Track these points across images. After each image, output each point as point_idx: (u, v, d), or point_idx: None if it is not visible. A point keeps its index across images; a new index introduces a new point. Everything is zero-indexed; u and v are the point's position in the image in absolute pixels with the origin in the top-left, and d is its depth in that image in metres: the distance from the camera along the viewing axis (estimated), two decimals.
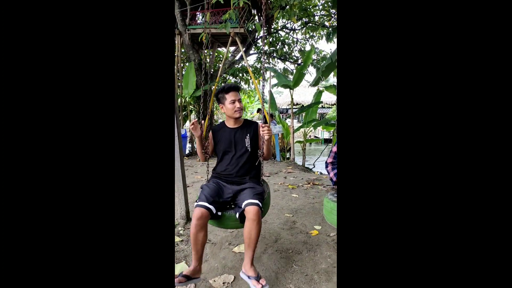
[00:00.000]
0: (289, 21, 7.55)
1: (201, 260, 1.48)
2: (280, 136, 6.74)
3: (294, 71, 6.99)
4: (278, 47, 7.97)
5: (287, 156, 6.75)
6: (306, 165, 6.23)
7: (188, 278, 1.40)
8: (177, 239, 2.04)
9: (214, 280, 1.57)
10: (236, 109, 1.67)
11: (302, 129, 6.64)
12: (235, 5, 3.58)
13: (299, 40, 8.26)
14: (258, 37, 7.21)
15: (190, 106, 7.19)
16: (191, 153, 6.63)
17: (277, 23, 7.82)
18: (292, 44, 8.25)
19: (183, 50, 6.87)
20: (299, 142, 6.77)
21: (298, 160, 6.51)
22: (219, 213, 1.50)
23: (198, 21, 6.80)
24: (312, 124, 6.27)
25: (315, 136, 11.45)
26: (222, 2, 3.86)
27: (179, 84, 6.47)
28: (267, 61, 7.96)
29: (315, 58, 7.61)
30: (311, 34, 7.68)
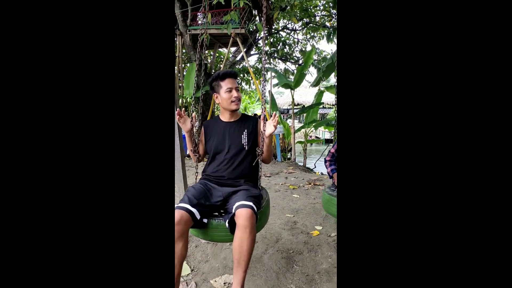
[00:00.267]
0: (290, 22, 7.56)
1: (178, 279, 1.13)
2: (281, 136, 6.75)
3: (295, 71, 7.00)
4: (279, 47, 7.98)
5: (288, 156, 6.76)
6: (307, 166, 6.23)
7: None
8: None
9: (215, 281, 1.58)
10: (233, 99, 1.37)
11: (303, 130, 6.64)
12: (236, 5, 3.59)
13: (300, 41, 8.27)
14: (259, 37, 7.22)
15: (192, 107, 7.21)
16: None
17: (278, 23, 7.82)
18: (293, 45, 8.27)
19: (184, 50, 6.89)
20: (300, 142, 6.77)
21: (299, 161, 6.51)
22: (205, 220, 1.19)
23: (199, 22, 6.81)
24: (313, 124, 6.28)
25: (316, 137, 11.44)
26: (223, 3, 3.88)
27: (180, 84, 6.48)
28: (268, 61, 7.96)
29: (316, 59, 7.62)
30: (312, 34, 7.69)
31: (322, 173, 5.02)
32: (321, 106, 6.48)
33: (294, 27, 7.97)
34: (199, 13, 6.67)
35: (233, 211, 1.14)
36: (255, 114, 1.67)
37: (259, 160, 1.35)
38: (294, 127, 6.18)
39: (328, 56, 6.51)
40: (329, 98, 10.87)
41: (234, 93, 1.38)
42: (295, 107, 6.59)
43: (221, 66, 6.86)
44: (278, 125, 6.53)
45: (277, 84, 6.32)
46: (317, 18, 7.39)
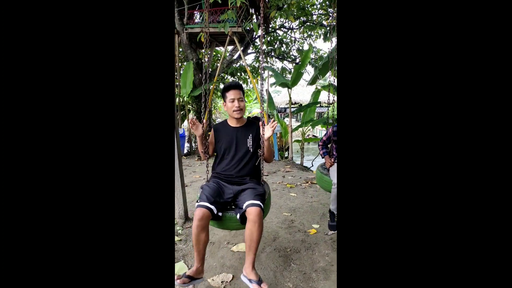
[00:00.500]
0: (287, 20, 7.55)
1: (203, 261, 1.46)
2: (278, 135, 6.75)
3: (292, 70, 6.99)
4: (276, 46, 7.97)
5: (286, 155, 6.76)
6: (304, 164, 6.24)
7: (191, 278, 1.39)
8: (175, 238, 2.05)
9: (213, 279, 1.58)
10: (235, 109, 1.59)
11: (300, 128, 6.65)
12: (233, 4, 3.58)
13: (297, 39, 8.26)
14: (256, 36, 7.21)
15: (188, 106, 7.18)
16: (189, 152, 6.62)
17: (275, 22, 7.81)
18: (290, 43, 8.25)
19: (180, 49, 6.86)
20: (297, 141, 6.78)
21: (297, 159, 6.52)
22: (220, 214, 1.45)
23: (196, 20, 6.78)
24: (310, 123, 6.28)
25: (313, 135, 11.45)
26: (220, 1, 3.86)
27: (177, 83, 6.45)
28: (265, 60, 7.95)
29: (313, 57, 7.62)
30: (309, 33, 7.69)
31: None
32: (318, 105, 6.48)
33: (291, 26, 7.96)
34: (196, 12, 6.64)
35: (243, 207, 1.40)
36: (255, 117, 1.74)
37: (261, 160, 1.59)
38: (291, 126, 6.19)
39: (325, 55, 6.52)
40: (327, 96, 10.84)
41: (236, 103, 1.59)
42: (292, 106, 6.59)
43: (218, 64, 6.84)
44: (277, 125, 6.53)
45: (274, 83, 6.31)
46: (314, 17, 7.38)
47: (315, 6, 7.13)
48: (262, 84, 1.63)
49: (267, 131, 1.48)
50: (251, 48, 7.62)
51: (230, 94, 1.61)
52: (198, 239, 1.39)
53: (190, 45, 6.55)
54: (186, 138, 6.83)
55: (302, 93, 12.42)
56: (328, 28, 5.97)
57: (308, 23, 7.33)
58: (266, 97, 5.81)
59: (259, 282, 1.32)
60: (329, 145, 2.38)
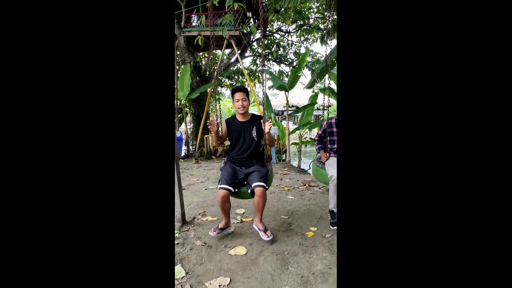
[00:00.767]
0: (284, 24, 7.60)
1: (229, 216, 2.10)
2: (275, 138, 6.76)
3: (289, 73, 7.02)
4: (273, 49, 8.01)
5: (283, 158, 6.77)
6: (301, 167, 6.25)
7: (222, 229, 2.09)
8: None
9: (210, 283, 1.57)
10: (239, 107, 2.15)
11: (297, 131, 6.66)
12: (230, 8, 3.60)
13: (294, 43, 8.31)
14: (254, 39, 7.24)
15: (186, 109, 7.18)
16: (187, 155, 6.61)
17: (272, 25, 7.86)
18: (287, 47, 8.30)
19: (178, 52, 6.87)
20: (294, 144, 6.79)
21: (294, 162, 6.52)
22: (236, 190, 2.02)
23: (193, 24, 6.80)
24: (308, 126, 6.30)
25: (310, 138, 11.48)
26: (217, 5, 3.88)
27: (175, 86, 6.45)
28: (263, 64, 7.95)
29: (310, 61, 7.66)
30: (306, 36, 7.74)
31: None
32: (315, 107, 6.50)
33: (288, 29, 8.01)
34: (193, 15, 6.66)
35: (252, 187, 1.99)
36: (260, 116, 2.01)
37: (265, 146, 2.20)
38: (288, 128, 6.20)
39: (322, 58, 6.56)
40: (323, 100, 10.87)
41: (240, 103, 2.15)
42: (289, 108, 6.61)
43: (216, 68, 6.85)
44: (273, 126, 6.52)
45: (271, 86, 6.34)
46: (311, 21, 7.44)
47: (311, 10, 7.18)
48: (264, 81, 2.06)
49: (266, 127, 2.00)
50: (248, 51, 7.65)
51: (236, 96, 2.15)
52: (223, 207, 2.01)
53: (188, 48, 6.56)
54: (184, 141, 6.81)
55: (299, 96, 12.47)
56: (324, 32, 6.01)
57: (305, 27, 7.38)
58: (263, 100, 5.81)
59: (265, 230, 2.02)
60: (324, 140, 2.44)
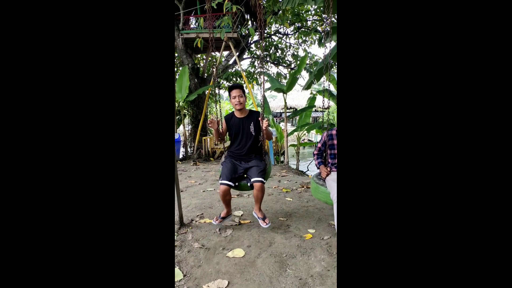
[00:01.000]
0: (282, 26, 7.63)
1: (230, 207, 2.26)
2: (274, 139, 6.76)
3: (288, 75, 7.04)
4: (271, 51, 8.03)
5: (281, 159, 6.77)
6: (300, 169, 6.25)
7: (224, 218, 2.26)
8: None
9: (208, 286, 1.56)
10: (236, 103, 2.25)
11: (295, 133, 6.67)
12: (228, 10, 3.61)
13: (292, 45, 8.34)
14: (251, 41, 7.26)
15: (184, 110, 7.17)
16: (185, 157, 6.60)
17: (270, 28, 7.88)
18: (285, 49, 8.33)
19: (176, 54, 6.88)
20: (293, 145, 6.80)
21: (292, 164, 6.52)
22: (236, 184, 2.16)
23: (192, 26, 6.81)
24: (306, 127, 6.31)
25: (308, 140, 11.50)
26: (215, 7, 3.89)
27: None
28: (260, 65, 7.98)
29: (308, 63, 7.69)
30: (304, 38, 7.77)
31: None
32: (314, 109, 6.51)
33: (286, 32, 8.04)
34: (191, 17, 6.68)
35: (251, 181, 2.11)
36: (258, 112, 2.12)
37: (263, 141, 2.28)
38: (286, 130, 6.21)
39: (320, 61, 6.58)
40: (321, 101, 10.92)
41: (236, 100, 2.25)
42: (287, 110, 6.63)
43: (214, 70, 6.85)
44: (271, 128, 6.52)
45: (269, 88, 6.35)
46: (309, 23, 7.47)
47: (309, 12, 7.22)
48: (262, 83, 2.16)
49: (264, 124, 2.11)
50: (246, 53, 7.66)
51: (233, 93, 2.25)
52: (224, 199, 2.15)
53: (186, 50, 6.57)
54: (182, 143, 6.80)
55: (297, 98, 12.50)
56: (322, 34, 6.03)
57: (302, 29, 7.41)
58: (262, 102, 5.82)
59: (264, 218, 2.21)
60: (324, 154, 2.27)
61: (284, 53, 8.33)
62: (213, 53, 8.07)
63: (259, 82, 6.77)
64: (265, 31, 7.48)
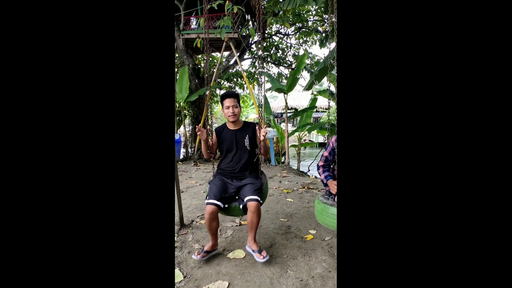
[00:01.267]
0: (282, 27, 7.63)
1: (217, 238, 1.87)
2: (274, 140, 6.75)
3: (288, 75, 7.03)
4: (272, 52, 8.03)
5: (282, 160, 6.76)
6: (301, 169, 6.24)
7: (208, 252, 1.81)
8: None
9: (208, 287, 1.55)
10: (229, 114, 1.92)
11: (296, 133, 6.66)
12: (229, 11, 3.61)
13: (293, 45, 8.33)
14: (252, 42, 7.26)
15: (184, 111, 7.17)
16: (185, 158, 6.59)
17: (271, 28, 7.88)
18: (286, 49, 8.32)
19: (176, 55, 6.88)
20: (293, 146, 6.78)
21: (293, 164, 6.51)
22: (226, 206, 1.80)
23: (192, 26, 6.82)
24: (307, 128, 6.29)
25: (309, 140, 11.50)
26: (216, 8, 3.89)
27: None
28: (262, 66, 7.99)
29: (309, 63, 7.68)
30: (305, 39, 7.76)
31: (315, 177, 5.03)
32: (315, 110, 6.50)
33: (286, 32, 8.04)
34: (192, 17, 6.68)
35: (245, 201, 1.75)
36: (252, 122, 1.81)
37: (259, 156, 1.93)
38: (287, 131, 6.20)
39: (321, 61, 6.58)
40: (323, 102, 10.95)
41: (230, 110, 1.91)
42: (288, 111, 6.62)
43: (214, 70, 6.86)
44: (272, 129, 6.52)
45: (270, 89, 6.34)
46: (310, 23, 7.47)
47: (310, 13, 7.21)
48: (262, 84, 2.04)
49: (261, 134, 1.78)
50: (247, 54, 7.66)
51: (226, 102, 1.92)
52: (210, 226, 1.78)
53: (186, 50, 6.57)
54: (182, 143, 6.80)
55: (298, 98, 12.50)
56: (323, 34, 6.03)
57: (303, 29, 7.41)
58: (262, 102, 5.82)
59: (260, 251, 1.76)
60: (332, 164, 1.82)
61: (285, 54, 8.32)
62: (213, 54, 8.07)
63: (260, 83, 6.78)
64: (266, 32, 7.48)
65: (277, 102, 13.50)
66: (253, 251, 1.79)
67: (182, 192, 3.42)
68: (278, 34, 8.15)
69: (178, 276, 1.66)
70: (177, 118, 7.06)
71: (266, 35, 7.61)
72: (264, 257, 1.71)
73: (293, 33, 7.85)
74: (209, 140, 1.92)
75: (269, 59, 8.04)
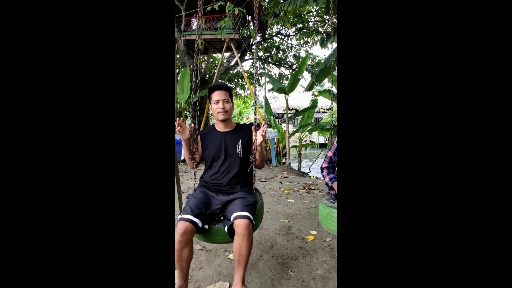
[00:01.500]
0: (283, 27, 7.64)
1: (187, 278, 1.32)
2: (275, 141, 6.76)
3: (289, 76, 7.04)
4: (273, 52, 8.04)
5: (283, 161, 6.76)
6: (301, 170, 6.24)
7: None
8: None
9: None
10: (219, 110, 1.48)
11: (297, 134, 6.66)
12: (230, 12, 3.62)
13: (294, 46, 8.34)
14: (253, 42, 7.27)
15: (186, 112, 7.19)
16: None
17: (272, 29, 7.89)
18: (286, 50, 8.33)
19: (178, 56, 6.90)
20: (294, 146, 6.79)
21: (294, 165, 6.51)
22: (206, 227, 1.31)
23: (193, 27, 6.83)
24: (308, 128, 6.30)
25: (310, 141, 11.50)
26: (217, 9, 3.90)
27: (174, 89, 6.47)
28: (262, 66, 8.00)
29: (310, 64, 7.69)
30: (305, 40, 7.77)
31: (316, 178, 5.03)
32: (316, 110, 6.51)
33: (287, 33, 8.05)
34: (193, 19, 6.70)
35: (231, 219, 1.28)
36: (251, 123, 1.65)
37: (253, 166, 1.48)
38: (288, 131, 6.20)
39: (322, 61, 6.59)
40: (323, 102, 10.95)
41: (221, 105, 1.48)
42: (289, 111, 6.63)
43: (215, 71, 6.87)
44: (273, 129, 6.50)
45: (271, 89, 6.35)
46: (310, 24, 7.48)
47: (311, 14, 7.22)
48: (259, 90, 1.69)
49: (258, 137, 1.39)
50: (248, 55, 7.68)
51: (215, 95, 1.50)
52: (180, 255, 1.25)
53: (188, 51, 6.58)
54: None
55: (299, 99, 12.50)
56: (324, 35, 6.04)
57: (304, 30, 7.42)
58: (263, 103, 5.84)
59: None
60: (336, 165, 1.76)
61: (286, 54, 8.33)
62: (214, 55, 8.09)
63: (261, 83, 6.79)
64: (267, 33, 7.49)
65: (278, 102, 13.51)
66: None
67: (183, 193, 3.43)
68: (279, 35, 8.16)
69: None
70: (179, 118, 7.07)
71: (267, 36, 7.62)
72: None
73: (294, 34, 7.87)
74: (192, 143, 1.48)
75: (270, 60, 8.05)
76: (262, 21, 5.82)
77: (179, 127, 1.39)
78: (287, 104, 6.37)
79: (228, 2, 3.80)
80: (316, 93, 6.66)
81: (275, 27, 7.75)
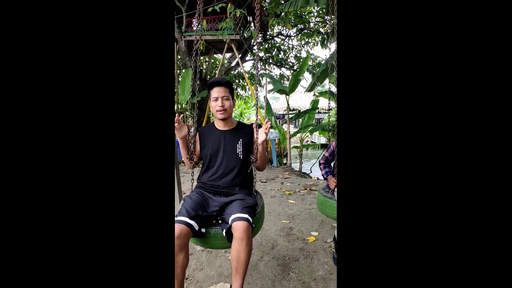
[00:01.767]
0: (284, 28, 7.65)
1: (183, 286, 1.24)
2: (276, 141, 6.76)
3: (290, 77, 7.04)
4: (274, 53, 8.05)
5: (284, 161, 6.76)
6: (303, 171, 6.23)
7: None
8: None
9: None
10: (218, 108, 1.39)
11: (298, 135, 6.66)
12: (232, 14, 3.62)
13: (295, 47, 8.34)
14: (254, 43, 7.28)
15: (187, 112, 7.19)
16: None
17: (273, 29, 7.90)
18: (287, 50, 8.34)
19: (179, 57, 6.91)
20: (295, 147, 6.78)
21: (295, 166, 6.51)
22: (203, 230, 1.24)
23: (194, 28, 6.85)
24: (309, 129, 6.30)
25: (311, 141, 11.49)
26: (218, 10, 3.91)
27: (175, 90, 6.48)
28: (263, 67, 8.00)
29: (311, 64, 7.70)
30: (306, 40, 7.78)
31: (318, 178, 5.02)
32: (317, 111, 6.50)
33: (288, 33, 8.05)
34: (194, 19, 6.71)
35: (229, 222, 1.21)
36: (252, 123, 1.64)
37: (254, 167, 1.41)
38: (289, 132, 6.20)
39: (323, 62, 6.58)
40: (325, 103, 10.94)
41: (219, 102, 1.40)
42: (290, 112, 6.62)
43: (216, 72, 6.88)
44: (274, 130, 6.49)
45: (272, 90, 6.35)
46: (311, 24, 7.48)
47: (312, 14, 7.22)
48: (260, 90, 1.67)
49: (260, 135, 1.31)
50: (249, 55, 7.68)
51: (214, 92, 1.41)
52: (175, 261, 1.17)
53: (189, 52, 6.59)
54: None
55: (300, 99, 12.50)
56: (325, 35, 6.04)
57: (305, 31, 7.42)
58: (264, 103, 5.84)
59: None
60: (332, 163, 2.04)
61: (287, 55, 8.34)
62: (215, 55, 8.09)
63: (262, 84, 6.79)
64: (268, 33, 7.49)
65: (279, 103, 13.51)
66: None
67: (183, 193, 3.43)
68: (280, 36, 8.17)
69: None
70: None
71: (268, 36, 7.63)
72: None
73: (295, 34, 7.87)
74: (189, 140, 1.43)
75: (271, 61, 8.05)
76: (263, 21, 5.82)
77: (177, 123, 1.36)
78: (288, 104, 6.37)
79: (229, 3, 3.80)
80: (317, 94, 6.66)
81: (276, 27, 7.75)
